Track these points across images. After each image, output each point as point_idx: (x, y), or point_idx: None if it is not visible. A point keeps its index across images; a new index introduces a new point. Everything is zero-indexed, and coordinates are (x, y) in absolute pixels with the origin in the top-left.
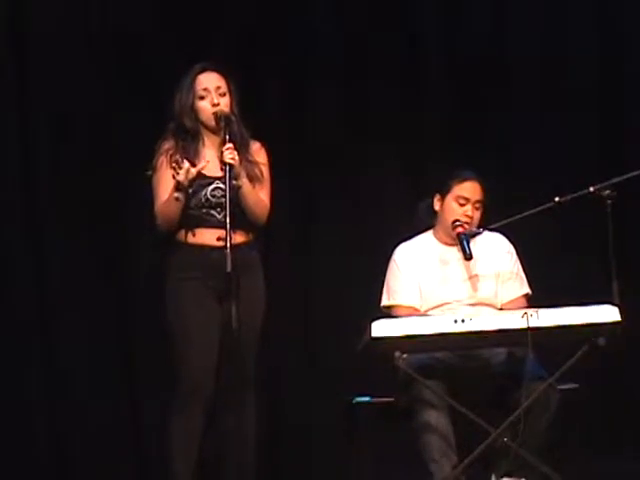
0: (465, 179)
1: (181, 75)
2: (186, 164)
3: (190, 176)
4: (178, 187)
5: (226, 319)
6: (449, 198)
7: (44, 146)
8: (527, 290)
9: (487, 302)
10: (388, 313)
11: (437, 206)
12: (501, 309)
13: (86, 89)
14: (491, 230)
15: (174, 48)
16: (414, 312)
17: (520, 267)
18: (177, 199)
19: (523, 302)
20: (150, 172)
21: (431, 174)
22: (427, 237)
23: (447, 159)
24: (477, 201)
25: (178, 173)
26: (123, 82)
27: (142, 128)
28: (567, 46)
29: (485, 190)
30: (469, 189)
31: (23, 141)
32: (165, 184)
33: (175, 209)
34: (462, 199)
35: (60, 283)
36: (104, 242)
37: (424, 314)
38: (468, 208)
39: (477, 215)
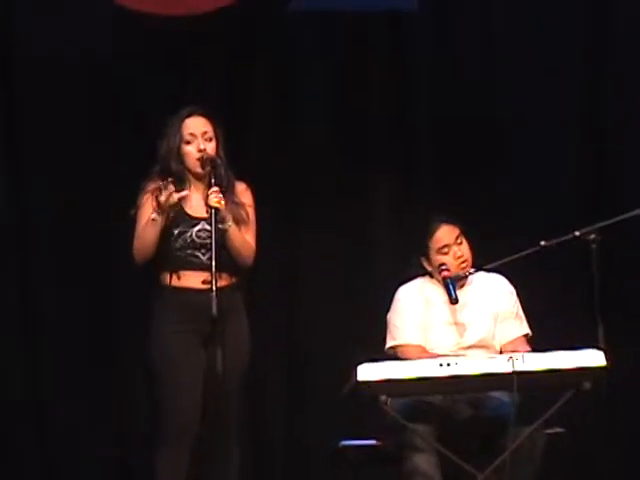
0: (434, 230)
1: (167, 116)
2: (171, 187)
3: (171, 200)
4: (157, 209)
5: (211, 363)
6: (432, 255)
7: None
8: (527, 330)
9: (482, 344)
10: (394, 354)
11: (428, 267)
12: (501, 351)
13: (74, 129)
14: (488, 271)
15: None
16: (422, 351)
17: (520, 307)
18: (154, 219)
19: (523, 342)
20: (133, 211)
21: (422, 200)
22: (425, 280)
23: (435, 191)
24: (456, 238)
25: (161, 194)
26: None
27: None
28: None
29: (454, 223)
30: (442, 236)
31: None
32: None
33: (152, 233)
34: (443, 248)
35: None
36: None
37: (433, 355)
38: (454, 250)
39: (464, 248)
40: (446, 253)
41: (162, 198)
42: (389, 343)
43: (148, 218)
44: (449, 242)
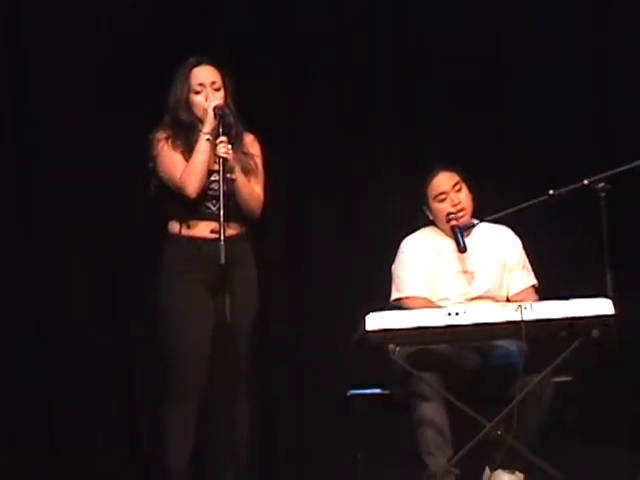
0: (431, 177)
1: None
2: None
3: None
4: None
5: (219, 312)
6: (431, 203)
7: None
8: (534, 281)
9: (490, 295)
10: (399, 306)
11: (430, 215)
12: (508, 300)
13: (81, 89)
14: (494, 222)
15: (172, 47)
16: (427, 303)
17: (526, 258)
18: (208, 140)
19: (532, 293)
20: (151, 164)
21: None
22: (430, 229)
23: (446, 156)
24: (454, 185)
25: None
26: (118, 81)
27: (137, 125)
28: (563, 48)
29: (455, 170)
30: (440, 183)
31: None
32: (176, 160)
33: (204, 155)
34: (440, 195)
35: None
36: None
37: (436, 305)
38: (452, 197)
39: (463, 196)
40: (443, 200)
41: (222, 151)
42: (394, 295)
43: (200, 146)
44: (446, 189)
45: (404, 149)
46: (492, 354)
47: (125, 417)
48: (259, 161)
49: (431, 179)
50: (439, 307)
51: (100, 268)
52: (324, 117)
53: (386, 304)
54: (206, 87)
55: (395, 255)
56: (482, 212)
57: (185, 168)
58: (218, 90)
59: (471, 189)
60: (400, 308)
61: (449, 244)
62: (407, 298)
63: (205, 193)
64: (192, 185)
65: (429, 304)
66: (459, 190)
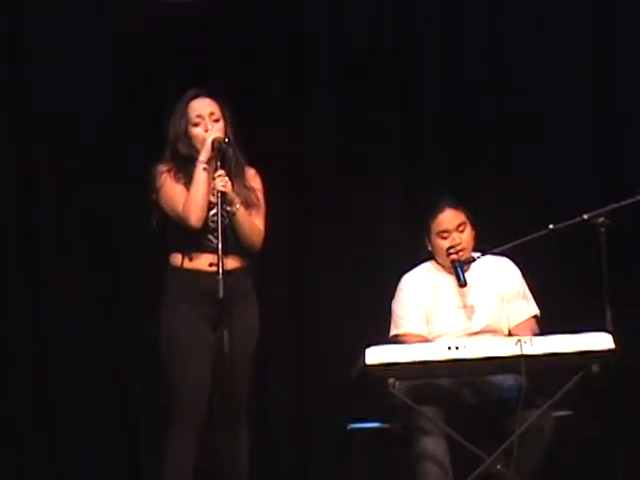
0: (437, 213)
1: (175, 100)
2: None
3: (227, 189)
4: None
5: (219, 346)
6: (433, 237)
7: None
8: (536, 311)
9: (490, 329)
10: (397, 343)
11: (429, 247)
12: (510, 334)
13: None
14: (494, 254)
15: (171, 72)
16: (424, 340)
17: (526, 288)
18: (205, 169)
19: (533, 324)
20: (154, 196)
21: (428, 193)
22: (429, 265)
23: (445, 176)
24: (458, 225)
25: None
26: (120, 109)
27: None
28: (563, 65)
29: (463, 209)
30: (445, 220)
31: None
32: (178, 192)
33: (203, 184)
34: (443, 233)
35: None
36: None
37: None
38: (454, 236)
39: (465, 237)
40: (445, 238)
41: (220, 185)
42: (392, 332)
43: (197, 177)
44: (450, 227)
45: (406, 181)
46: (487, 390)
47: (125, 447)
48: (261, 195)
49: (436, 214)
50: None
51: (103, 300)
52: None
53: (386, 338)
54: (204, 119)
55: (394, 291)
56: (482, 239)
57: (185, 200)
58: (217, 121)
59: (474, 227)
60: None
61: (448, 280)
62: (404, 335)
63: (207, 225)
64: (194, 216)
65: (425, 341)
66: (462, 231)
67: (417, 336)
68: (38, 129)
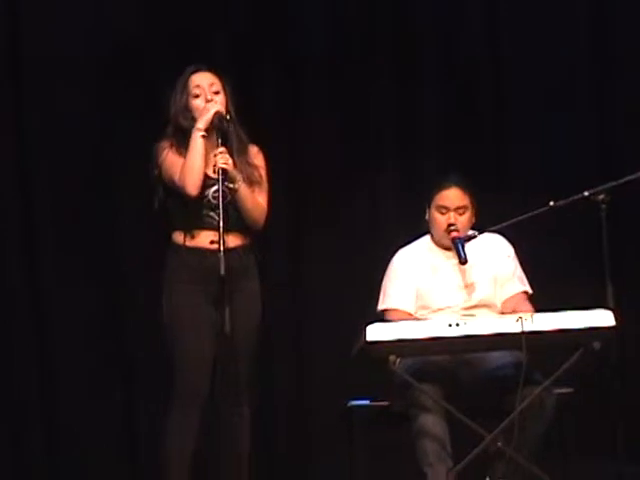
0: (443, 188)
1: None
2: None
3: (228, 166)
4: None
5: (221, 323)
6: (432, 209)
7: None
8: (526, 288)
9: (485, 303)
10: (383, 317)
11: (427, 216)
12: (502, 312)
13: (82, 98)
14: (490, 232)
15: (170, 55)
16: (407, 317)
17: (520, 268)
18: (204, 136)
19: (523, 297)
20: (156, 170)
21: (427, 176)
22: (425, 242)
23: (443, 159)
24: (459, 207)
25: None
26: (117, 87)
27: (139, 136)
28: (561, 45)
29: (470, 193)
30: (448, 197)
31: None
32: (179, 164)
33: (200, 152)
34: (442, 208)
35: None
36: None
37: (417, 319)
38: (450, 216)
39: (462, 220)
40: (443, 214)
41: (221, 162)
42: (379, 306)
43: (193, 143)
44: (450, 206)
45: (404, 165)
46: (494, 365)
47: (124, 417)
48: (264, 172)
49: (442, 188)
50: (420, 320)
51: (103, 282)
52: (324, 124)
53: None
54: (204, 89)
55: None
56: (481, 219)
57: (182, 167)
58: (217, 93)
59: (475, 215)
60: (383, 319)
61: (444, 259)
62: (387, 310)
63: (208, 202)
64: (190, 182)
65: (409, 318)
66: (461, 214)
67: (403, 312)
68: (31, 101)
